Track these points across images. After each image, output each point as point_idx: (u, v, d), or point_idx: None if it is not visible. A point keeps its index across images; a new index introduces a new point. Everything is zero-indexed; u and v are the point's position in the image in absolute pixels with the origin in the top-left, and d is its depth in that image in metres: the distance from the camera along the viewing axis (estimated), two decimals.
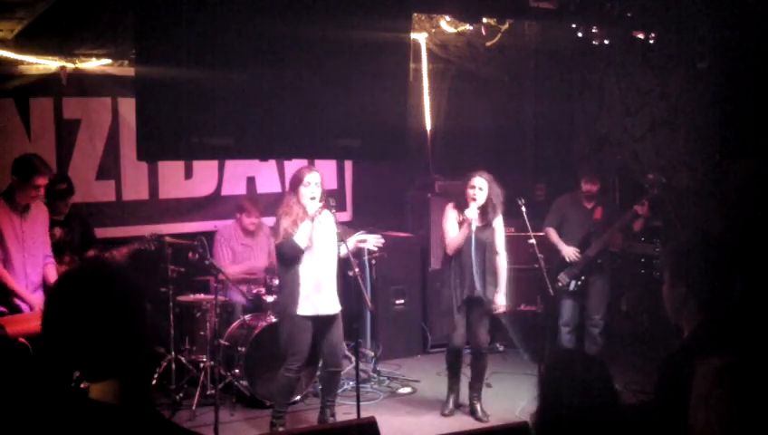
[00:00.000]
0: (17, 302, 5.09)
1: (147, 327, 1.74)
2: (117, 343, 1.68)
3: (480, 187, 5.71)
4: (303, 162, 7.61)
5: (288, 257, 5.27)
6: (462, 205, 5.77)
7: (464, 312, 5.81)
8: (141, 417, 1.69)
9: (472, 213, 5.65)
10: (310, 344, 5.37)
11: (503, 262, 5.91)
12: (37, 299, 5.15)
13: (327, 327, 5.40)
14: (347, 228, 5.57)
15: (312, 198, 5.22)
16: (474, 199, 5.68)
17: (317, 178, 5.27)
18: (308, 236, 5.23)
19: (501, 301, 5.88)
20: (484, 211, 5.74)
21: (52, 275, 5.34)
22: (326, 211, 5.35)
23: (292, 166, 6.95)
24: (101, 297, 1.68)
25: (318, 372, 5.90)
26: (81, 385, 1.74)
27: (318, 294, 5.31)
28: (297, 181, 5.28)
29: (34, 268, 5.22)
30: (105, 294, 1.69)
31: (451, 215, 5.84)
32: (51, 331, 1.69)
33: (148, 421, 1.71)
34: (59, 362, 1.70)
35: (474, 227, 5.67)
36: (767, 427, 1.61)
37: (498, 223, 5.86)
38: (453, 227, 5.80)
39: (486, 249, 5.79)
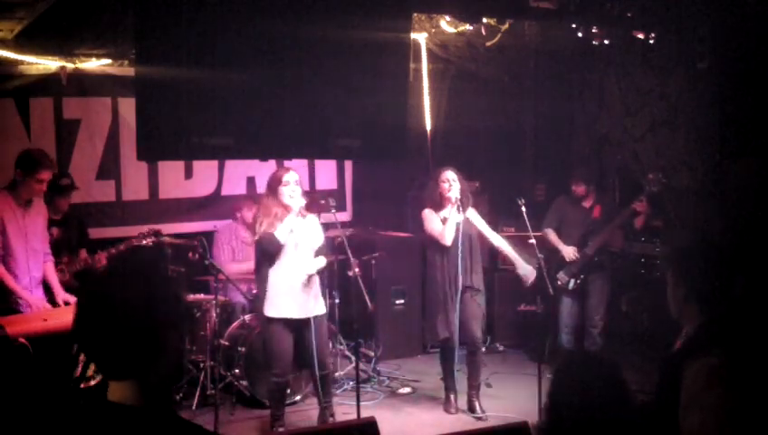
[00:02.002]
0: (18, 302, 5.08)
1: (173, 331, 1.72)
2: (138, 343, 1.67)
3: (453, 179, 5.84)
4: (303, 162, 7.64)
5: (267, 254, 5.31)
6: (436, 205, 5.88)
7: (456, 307, 5.83)
8: (159, 419, 1.69)
9: (455, 193, 5.76)
10: (292, 347, 5.37)
11: (499, 239, 6.05)
12: (36, 297, 5.15)
13: (308, 330, 5.37)
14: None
15: (292, 196, 5.27)
16: (449, 190, 5.80)
17: (295, 176, 5.33)
18: (288, 232, 5.25)
19: (526, 271, 5.95)
20: (461, 200, 5.86)
21: (52, 273, 5.35)
22: (311, 215, 5.43)
23: (292, 166, 6.94)
24: (133, 296, 1.68)
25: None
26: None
27: (299, 297, 5.32)
28: (276, 182, 5.30)
29: (36, 263, 5.23)
30: (137, 292, 1.68)
31: (430, 214, 5.92)
32: (80, 324, 1.70)
33: (167, 424, 1.70)
34: (86, 355, 1.70)
35: (459, 211, 5.79)
36: (764, 425, 1.61)
37: (471, 214, 5.97)
38: (437, 223, 5.87)
39: (472, 240, 5.91)
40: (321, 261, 5.46)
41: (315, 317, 5.38)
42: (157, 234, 5.90)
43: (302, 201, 5.33)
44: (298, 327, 5.36)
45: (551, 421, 2.15)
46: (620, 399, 2.13)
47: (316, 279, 5.43)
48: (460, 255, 5.80)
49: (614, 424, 2.08)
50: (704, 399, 1.63)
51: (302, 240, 5.34)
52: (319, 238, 5.47)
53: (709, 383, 1.63)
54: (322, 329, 5.49)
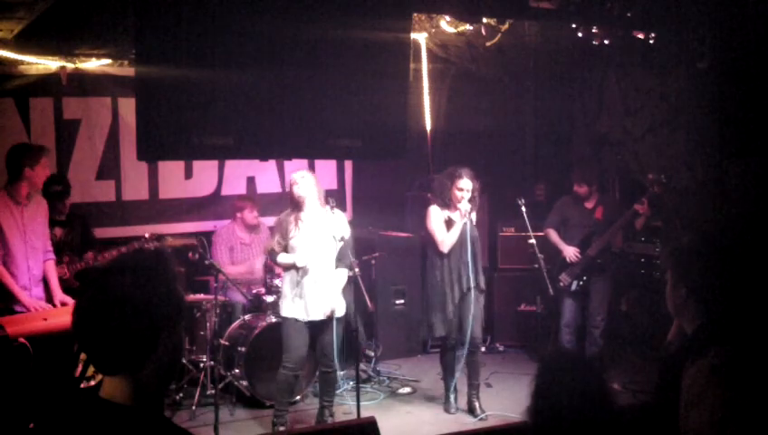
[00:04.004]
0: (15, 304, 5.07)
1: (167, 330, 1.72)
2: (132, 339, 1.67)
3: (467, 188, 5.83)
4: (304, 162, 7.63)
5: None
6: (445, 203, 5.88)
7: (459, 309, 5.83)
8: (147, 420, 1.69)
9: (466, 206, 5.78)
10: (306, 345, 5.42)
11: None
12: (35, 298, 5.14)
13: (320, 328, 5.43)
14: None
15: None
16: (461, 200, 5.80)
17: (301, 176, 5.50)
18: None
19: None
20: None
21: (52, 272, 5.34)
22: (323, 211, 5.44)
23: (293, 166, 6.94)
24: (129, 291, 1.68)
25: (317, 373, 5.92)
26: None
27: (312, 297, 5.37)
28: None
29: (36, 262, 5.21)
30: (133, 288, 1.68)
31: (436, 214, 5.90)
32: (77, 317, 1.70)
33: (154, 425, 1.70)
34: (82, 348, 1.70)
35: (469, 222, 5.80)
36: (763, 425, 1.61)
37: (473, 214, 6.00)
38: (440, 227, 5.87)
39: (475, 241, 5.92)
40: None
41: (323, 320, 5.43)
42: (159, 238, 5.89)
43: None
44: (309, 327, 5.42)
45: (535, 423, 2.14)
46: (602, 399, 2.13)
47: (326, 281, 5.44)
48: (466, 257, 5.79)
49: (595, 424, 2.08)
50: (705, 399, 1.62)
51: (312, 240, 5.44)
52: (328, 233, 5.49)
53: (710, 384, 1.63)
54: (330, 329, 5.49)
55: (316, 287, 5.38)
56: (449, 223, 5.87)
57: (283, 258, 5.42)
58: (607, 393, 2.13)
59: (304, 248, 5.38)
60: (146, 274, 1.71)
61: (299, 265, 5.37)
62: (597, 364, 2.22)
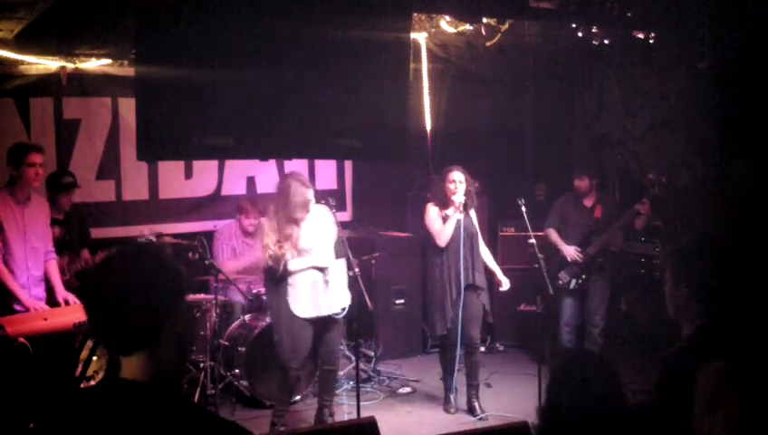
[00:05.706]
0: (14, 302, 5.07)
1: (179, 298, 1.79)
2: (147, 309, 1.72)
3: (459, 180, 5.86)
4: (304, 162, 7.64)
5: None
6: (442, 201, 5.91)
7: (458, 307, 5.83)
8: (167, 395, 1.73)
9: (460, 198, 5.80)
10: (310, 344, 5.41)
11: (484, 247, 6.14)
12: (35, 298, 5.13)
13: (326, 325, 5.43)
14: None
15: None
16: (455, 193, 5.83)
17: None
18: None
19: (503, 277, 6.08)
20: (465, 203, 5.89)
21: (54, 271, 5.34)
22: (322, 208, 5.44)
23: (292, 166, 6.95)
24: (137, 266, 1.74)
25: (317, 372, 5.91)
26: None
27: (326, 293, 5.38)
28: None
29: (36, 262, 5.21)
30: (140, 264, 1.75)
31: (433, 211, 5.94)
32: (92, 300, 1.75)
33: (174, 401, 1.73)
34: (96, 330, 1.76)
35: (467, 218, 5.85)
36: None
37: (472, 212, 6.02)
38: (437, 221, 5.90)
39: (473, 238, 5.94)
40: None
41: (329, 316, 5.42)
42: (158, 236, 5.89)
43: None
44: (314, 325, 5.39)
45: (550, 421, 2.15)
46: (617, 398, 2.13)
47: (334, 276, 5.43)
48: (462, 253, 5.82)
49: (612, 424, 2.08)
50: (717, 404, 1.62)
51: (315, 239, 5.40)
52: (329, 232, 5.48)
53: (722, 387, 1.63)
54: (335, 328, 5.52)
55: (329, 283, 5.38)
56: (446, 220, 5.89)
57: (296, 265, 5.28)
58: (622, 394, 2.13)
59: (317, 248, 5.36)
60: (143, 253, 1.79)
61: (323, 265, 5.35)
62: (611, 364, 2.22)
